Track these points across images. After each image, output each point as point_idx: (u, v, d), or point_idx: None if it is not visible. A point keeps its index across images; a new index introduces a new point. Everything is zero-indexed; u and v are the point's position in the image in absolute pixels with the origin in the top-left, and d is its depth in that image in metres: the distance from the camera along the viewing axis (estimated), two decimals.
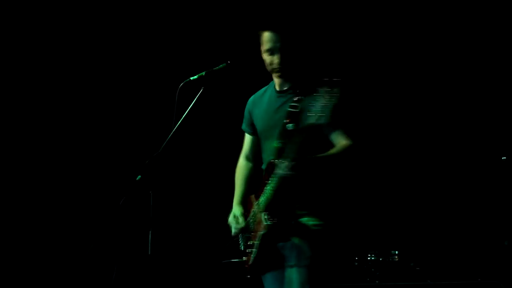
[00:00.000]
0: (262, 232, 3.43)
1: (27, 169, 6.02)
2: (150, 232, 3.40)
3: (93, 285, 5.86)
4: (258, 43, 3.48)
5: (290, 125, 3.40)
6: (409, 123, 6.01)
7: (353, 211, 5.65)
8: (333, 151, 3.39)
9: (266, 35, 3.44)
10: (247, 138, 3.79)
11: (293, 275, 3.39)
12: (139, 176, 3.38)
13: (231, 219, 3.68)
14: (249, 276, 3.51)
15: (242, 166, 3.83)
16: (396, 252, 5.22)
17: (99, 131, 6.11)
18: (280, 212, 3.42)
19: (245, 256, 3.54)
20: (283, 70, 3.47)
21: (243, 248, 3.61)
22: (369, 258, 5.32)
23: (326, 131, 3.42)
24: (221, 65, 3.53)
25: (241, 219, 3.62)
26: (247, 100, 3.77)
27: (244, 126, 3.77)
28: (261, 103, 3.62)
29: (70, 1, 6.03)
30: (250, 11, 6.07)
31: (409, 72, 6.02)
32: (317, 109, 3.11)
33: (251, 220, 3.57)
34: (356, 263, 5.36)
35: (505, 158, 4.95)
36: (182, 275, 6.10)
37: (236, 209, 3.69)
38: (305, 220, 3.42)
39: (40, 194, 6.03)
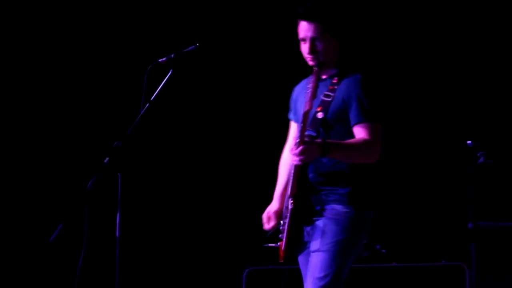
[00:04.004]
0: (288, 218, 3.45)
1: None
2: (118, 214, 3.40)
3: (61, 269, 5.84)
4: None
5: (320, 114, 3.44)
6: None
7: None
8: (348, 141, 3.40)
9: (300, 24, 3.49)
10: (293, 127, 3.74)
11: (315, 259, 3.41)
12: (107, 158, 3.38)
13: (264, 215, 3.64)
14: (281, 261, 3.52)
15: (286, 157, 3.74)
16: None
17: (66, 114, 6.07)
18: (302, 197, 3.43)
19: (279, 241, 3.54)
20: (313, 60, 3.48)
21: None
22: None
23: (352, 123, 3.44)
24: (190, 47, 3.53)
25: (273, 217, 3.60)
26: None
27: (290, 115, 3.73)
28: (304, 91, 3.59)
29: None
30: None
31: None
32: (345, 98, 3.23)
33: (284, 207, 3.57)
34: None
35: (470, 142, 5.00)
36: (151, 258, 6.10)
37: (273, 205, 3.65)
38: (331, 206, 3.43)
39: (4, 178, 5.98)
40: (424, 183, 5.98)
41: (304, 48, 3.50)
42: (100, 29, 6.09)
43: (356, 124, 3.43)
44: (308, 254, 3.49)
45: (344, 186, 3.44)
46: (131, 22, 6.09)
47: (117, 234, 3.41)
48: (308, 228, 3.48)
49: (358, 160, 3.43)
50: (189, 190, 6.14)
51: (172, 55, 3.52)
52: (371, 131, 3.41)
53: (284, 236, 3.48)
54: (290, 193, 3.46)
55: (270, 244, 3.59)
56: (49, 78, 6.06)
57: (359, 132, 3.42)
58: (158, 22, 6.08)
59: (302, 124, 3.40)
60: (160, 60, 3.53)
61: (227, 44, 6.01)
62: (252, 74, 6.05)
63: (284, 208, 3.56)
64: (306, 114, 3.40)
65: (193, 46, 3.53)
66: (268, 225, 3.62)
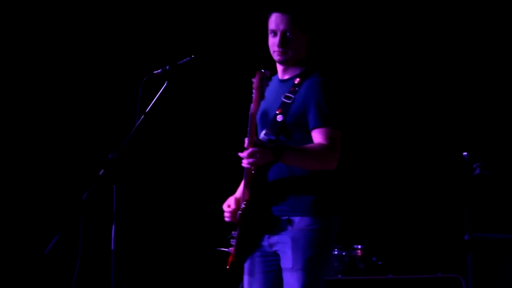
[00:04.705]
0: (238, 225, 3.37)
1: None
2: (113, 226, 3.39)
3: (56, 282, 5.82)
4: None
5: (280, 116, 3.36)
6: (368, 114, 6.04)
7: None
8: (304, 146, 3.30)
9: (272, 16, 3.41)
10: None
11: (290, 279, 3.31)
12: (102, 171, 3.37)
13: (224, 204, 3.52)
14: (228, 267, 3.42)
15: None
16: (359, 246, 5.25)
17: (61, 125, 6.06)
18: (257, 204, 3.34)
19: (231, 247, 3.45)
20: (282, 55, 3.40)
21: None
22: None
23: (310, 127, 3.34)
24: (185, 59, 3.53)
25: (233, 203, 3.47)
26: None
27: None
28: (269, 90, 3.48)
29: None
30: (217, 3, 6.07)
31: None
32: (305, 102, 3.15)
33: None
34: None
35: (466, 153, 5.00)
36: (147, 271, 6.09)
37: (233, 197, 3.52)
38: (298, 218, 3.33)
39: None
40: (420, 195, 5.97)
41: (274, 41, 3.41)
42: (95, 42, 6.09)
43: (314, 128, 3.31)
44: (261, 263, 3.40)
45: (308, 194, 3.32)
46: (126, 35, 6.09)
47: (112, 247, 3.39)
48: (273, 239, 3.37)
49: (315, 166, 3.29)
50: (184, 203, 6.13)
51: (167, 67, 3.52)
52: (329, 136, 3.28)
53: (235, 242, 3.39)
54: (243, 198, 3.35)
55: (222, 248, 3.52)
56: (44, 89, 6.06)
57: (317, 137, 3.30)
58: (153, 34, 6.09)
59: (250, 126, 3.32)
60: (155, 72, 3.52)
61: (222, 55, 6.01)
62: (247, 87, 6.04)
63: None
64: (253, 116, 3.31)
65: (188, 58, 3.53)
66: (227, 212, 3.46)
